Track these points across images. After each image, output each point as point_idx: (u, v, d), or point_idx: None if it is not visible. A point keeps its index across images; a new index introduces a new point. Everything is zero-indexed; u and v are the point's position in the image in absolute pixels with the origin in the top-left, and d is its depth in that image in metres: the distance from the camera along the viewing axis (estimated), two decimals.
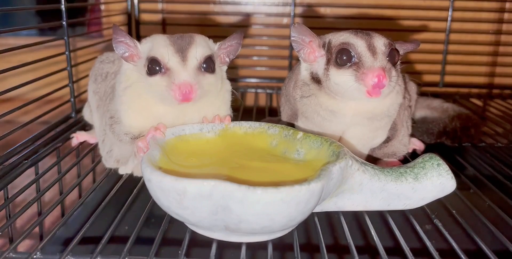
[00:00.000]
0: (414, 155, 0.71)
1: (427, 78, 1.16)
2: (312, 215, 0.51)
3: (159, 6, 1.17)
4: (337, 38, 0.57)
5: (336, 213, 0.53)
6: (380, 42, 0.55)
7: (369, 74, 0.53)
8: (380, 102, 0.58)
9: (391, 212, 0.53)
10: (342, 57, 0.55)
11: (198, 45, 0.55)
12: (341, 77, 0.55)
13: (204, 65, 0.54)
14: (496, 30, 1.16)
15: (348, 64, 0.55)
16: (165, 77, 0.53)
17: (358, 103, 0.58)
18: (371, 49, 0.54)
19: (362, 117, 0.59)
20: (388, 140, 0.64)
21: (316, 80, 0.59)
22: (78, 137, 0.75)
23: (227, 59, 0.59)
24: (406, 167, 0.51)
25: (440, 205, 0.54)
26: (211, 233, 0.47)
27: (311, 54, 0.59)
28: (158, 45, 0.54)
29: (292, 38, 0.59)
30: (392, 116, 0.61)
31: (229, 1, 1.16)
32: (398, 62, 0.58)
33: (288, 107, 0.67)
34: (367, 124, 0.60)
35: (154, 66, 0.53)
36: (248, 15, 1.16)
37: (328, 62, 0.57)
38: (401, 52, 0.59)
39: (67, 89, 0.84)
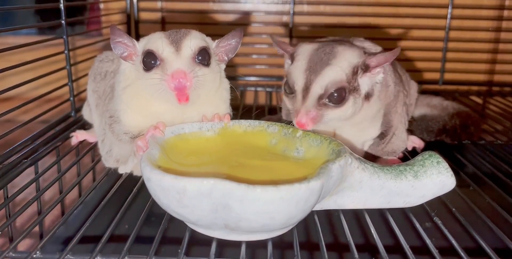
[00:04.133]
0: (413, 153, 0.71)
1: (427, 75, 1.16)
2: (312, 213, 0.51)
3: (158, 4, 1.17)
4: None
5: (336, 211, 0.53)
6: None
7: None
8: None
9: (391, 210, 0.53)
10: None
11: (192, 37, 0.54)
12: None
13: (199, 57, 0.54)
14: (496, 28, 1.15)
15: None
16: (159, 69, 0.53)
17: None
18: None
19: (342, 122, 0.60)
20: (383, 136, 0.64)
21: None
22: (78, 136, 0.76)
23: (226, 58, 0.58)
24: (406, 165, 0.51)
25: (440, 202, 0.54)
26: (211, 231, 0.47)
27: None
28: (153, 39, 0.54)
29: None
30: (373, 118, 0.62)
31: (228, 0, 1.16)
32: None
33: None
34: (351, 126, 0.61)
35: (149, 60, 0.53)
36: (247, 13, 1.16)
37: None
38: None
39: (66, 88, 0.84)
